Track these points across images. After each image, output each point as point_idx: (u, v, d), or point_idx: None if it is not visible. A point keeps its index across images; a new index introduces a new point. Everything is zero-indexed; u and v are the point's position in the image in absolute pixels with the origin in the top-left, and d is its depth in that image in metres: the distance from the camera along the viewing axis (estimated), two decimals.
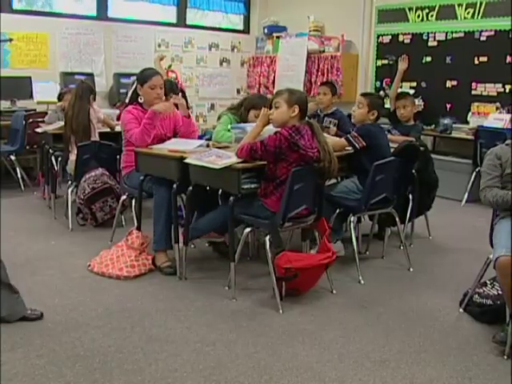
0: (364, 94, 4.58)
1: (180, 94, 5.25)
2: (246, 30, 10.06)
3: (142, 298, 3.67)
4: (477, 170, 6.57)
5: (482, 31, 7.20)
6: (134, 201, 4.46)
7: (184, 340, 3.12)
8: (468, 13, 7.32)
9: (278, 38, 9.22)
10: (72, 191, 5.27)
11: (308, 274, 3.63)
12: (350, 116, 4.87)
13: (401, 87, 7.86)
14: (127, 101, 4.31)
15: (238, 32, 9.91)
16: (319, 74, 8.60)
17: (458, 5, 7.40)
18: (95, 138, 5.41)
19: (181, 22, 9.09)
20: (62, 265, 4.24)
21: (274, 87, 9.00)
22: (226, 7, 9.63)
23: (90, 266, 4.13)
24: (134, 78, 4.92)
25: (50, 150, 5.69)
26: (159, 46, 8.70)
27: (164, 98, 4.51)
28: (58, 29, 7.78)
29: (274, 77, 9.18)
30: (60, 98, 6.27)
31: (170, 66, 8.22)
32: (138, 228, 4.26)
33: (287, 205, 3.50)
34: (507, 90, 6.98)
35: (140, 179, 4.18)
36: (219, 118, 4.93)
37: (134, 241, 4.14)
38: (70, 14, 8.03)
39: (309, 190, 3.69)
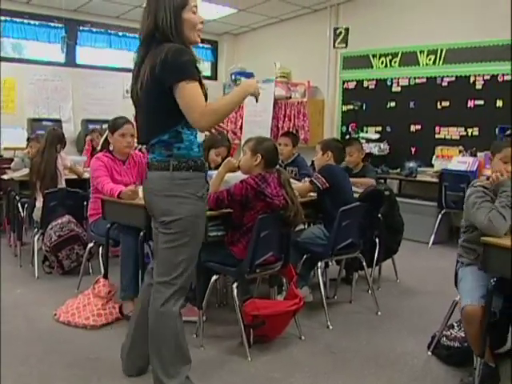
0: (319, 142, 4.68)
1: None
2: (214, 77, 10.20)
3: (109, 348, 3.59)
4: (442, 212, 6.69)
5: (443, 77, 7.44)
6: (100, 248, 4.43)
7: None
8: (429, 59, 7.56)
9: None
10: (38, 239, 5.22)
11: (276, 321, 3.63)
12: (313, 164, 4.95)
13: (366, 132, 8.05)
14: (99, 148, 4.31)
15: (206, 79, 9.99)
16: (286, 119, 8.75)
17: (420, 52, 7.65)
18: (62, 185, 5.39)
19: None
20: (28, 314, 4.17)
21: (241, 133, 9.12)
22: None
23: (56, 315, 4.07)
24: (104, 126, 4.91)
25: (17, 197, 5.65)
26: (127, 92, 8.68)
27: (135, 146, 4.52)
28: (25, 74, 7.82)
29: (242, 122, 9.29)
30: (27, 143, 6.26)
31: None
32: (105, 276, 4.21)
33: (254, 252, 3.49)
34: (469, 134, 7.16)
35: (107, 227, 4.16)
36: None
37: (101, 289, 4.10)
38: (39, 59, 8.07)
39: (275, 237, 3.69)
